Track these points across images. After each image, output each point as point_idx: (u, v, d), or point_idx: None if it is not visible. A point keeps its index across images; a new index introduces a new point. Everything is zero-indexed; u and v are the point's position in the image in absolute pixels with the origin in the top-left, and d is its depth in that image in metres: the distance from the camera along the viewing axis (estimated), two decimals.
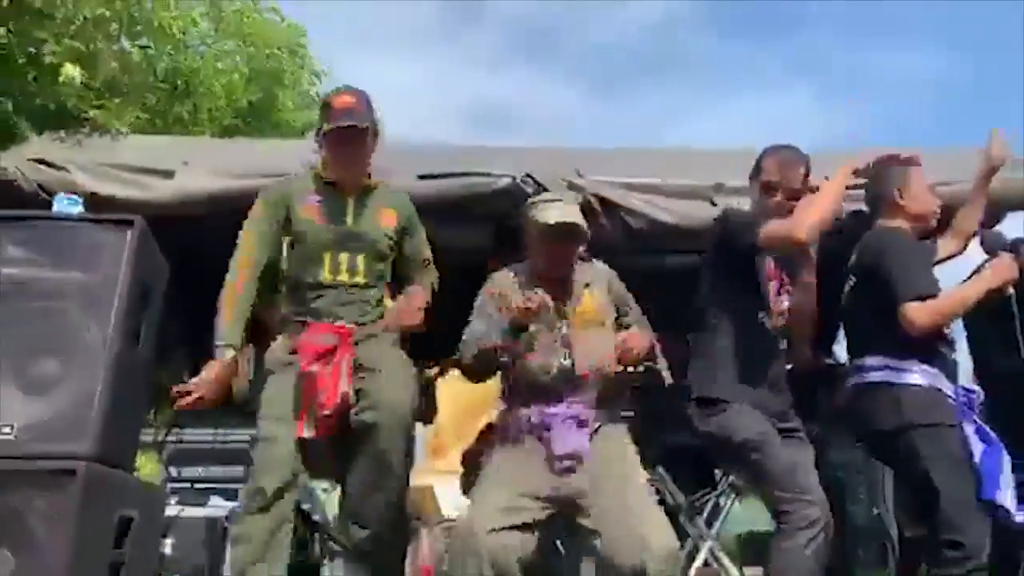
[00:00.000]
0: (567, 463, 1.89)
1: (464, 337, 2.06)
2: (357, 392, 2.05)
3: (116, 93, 4.60)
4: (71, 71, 3.81)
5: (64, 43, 4.11)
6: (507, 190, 2.71)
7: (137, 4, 4.65)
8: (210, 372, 2.05)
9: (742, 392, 2.09)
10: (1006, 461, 2.00)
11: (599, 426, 1.99)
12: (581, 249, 2.10)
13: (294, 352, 2.09)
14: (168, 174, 2.75)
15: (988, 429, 2.05)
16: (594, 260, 2.15)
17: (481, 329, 2.03)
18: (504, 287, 2.06)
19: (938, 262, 2.33)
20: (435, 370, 4.10)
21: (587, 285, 2.08)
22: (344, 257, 2.12)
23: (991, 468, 1.98)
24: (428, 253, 2.38)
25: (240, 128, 5.81)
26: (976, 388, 2.07)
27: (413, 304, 2.17)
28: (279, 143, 4.59)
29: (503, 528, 1.80)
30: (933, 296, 2.05)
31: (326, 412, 2.00)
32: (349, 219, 2.14)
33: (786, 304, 2.21)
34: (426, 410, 3.92)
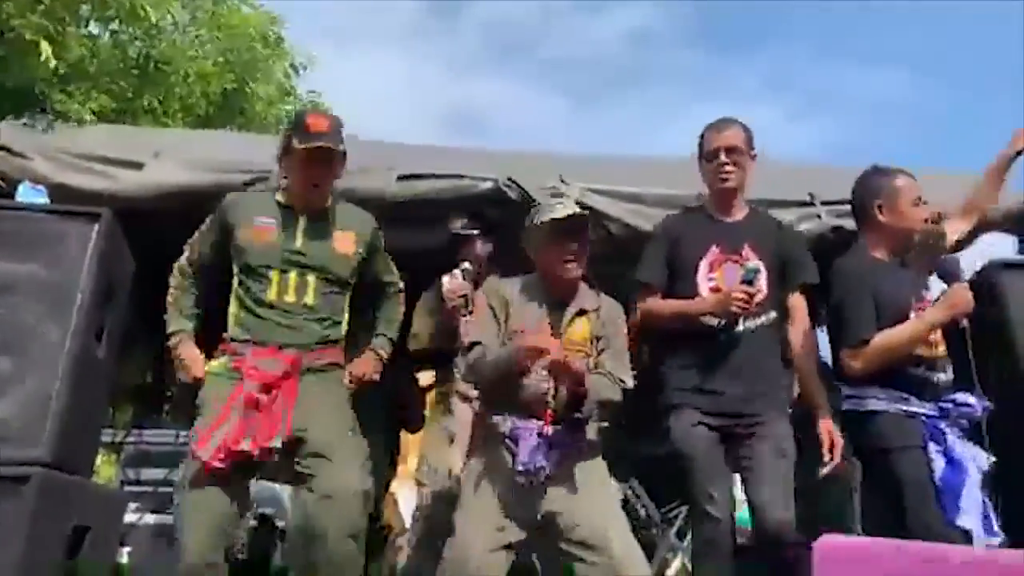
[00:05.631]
0: (529, 477, 1.84)
1: (470, 354, 2.00)
2: (297, 439, 1.92)
3: (82, 78, 4.42)
4: (46, 49, 3.60)
5: (31, 19, 3.90)
6: (490, 194, 2.66)
7: None
8: (183, 357, 2.03)
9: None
10: (970, 482, 2.00)
11: (574, 447, 1.94)
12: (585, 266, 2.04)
13: (235, 371, 1.97)
14: (138, 165, 2.63)
15: (962, 446, 2.04)
16: (600, 293, 2.09)
17: (487, 343, 1.97)
18: (503, 292, 2.03)
19: (956, 246, 2.36)
20: (428, 376, 3.94)
21: (583, 312, 2.03)
22: (292, 277, 2.03)
23: (951, 490, 1.98)
24: (392, 277, 2.26)
25: (212, 119, 5.65)
26: (968, 400, 2.04)
27: (370, 365, 2.17)
28: (254, 137, 4.46)
29: (497, 548, 1.82)
30: (866, 340, 2.08)
31: (249, 449, 1.85)
32: (299, 239, 2.06)
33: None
34: (415, 417, 3.77)
